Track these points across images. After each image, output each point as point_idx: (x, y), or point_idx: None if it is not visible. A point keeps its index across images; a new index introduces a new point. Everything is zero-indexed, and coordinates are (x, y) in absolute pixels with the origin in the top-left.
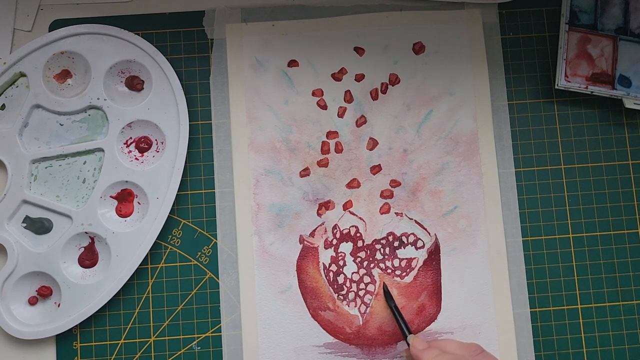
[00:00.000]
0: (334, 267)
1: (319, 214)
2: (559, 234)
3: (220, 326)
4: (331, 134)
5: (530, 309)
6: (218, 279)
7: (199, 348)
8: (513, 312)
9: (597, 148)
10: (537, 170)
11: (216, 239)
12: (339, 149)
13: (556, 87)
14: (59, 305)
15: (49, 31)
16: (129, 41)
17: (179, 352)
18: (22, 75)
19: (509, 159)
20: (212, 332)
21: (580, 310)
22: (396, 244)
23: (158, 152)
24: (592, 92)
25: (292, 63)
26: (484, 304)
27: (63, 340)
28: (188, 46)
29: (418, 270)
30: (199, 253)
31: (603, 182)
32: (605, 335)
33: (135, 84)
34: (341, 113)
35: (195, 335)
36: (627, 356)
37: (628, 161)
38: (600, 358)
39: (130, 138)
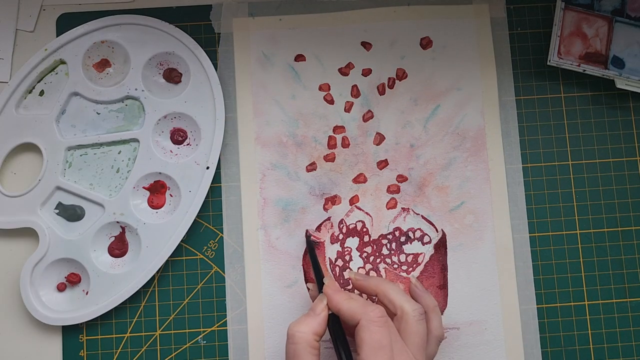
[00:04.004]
0: (340, 262)
1: (325, 209)
2: (566, 230)
3: (226, 320)
4: (338, 129)
5: (537, 305)
6: (224, 273)
7: (205, 342)
8: (520, 308)
9: (605, 144)
10: (545, 166)
11: (222, 233)
12: (345, 144)
13: (548, 63)
14: (87, 293)
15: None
16: (169, 33)
17: (185, 346)
18: (62, 62)
19: (517, 155)
20: (217, 326)
21: (587, 307)
22: (403, 239)
23: (192, 145)
24: (585, 70)
25: (299, 57)
26: (491, 299)
27: (69, 333)
28: (195, 40)
29: (424, 265)
30: (205, 247)
31: (611, 178)
32: (613, 332)
33: (173, 76)
34: (348, 108)
35: (201, 330)
36: (634, 353)
37: (636, 157)
38: (607, 355)
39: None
